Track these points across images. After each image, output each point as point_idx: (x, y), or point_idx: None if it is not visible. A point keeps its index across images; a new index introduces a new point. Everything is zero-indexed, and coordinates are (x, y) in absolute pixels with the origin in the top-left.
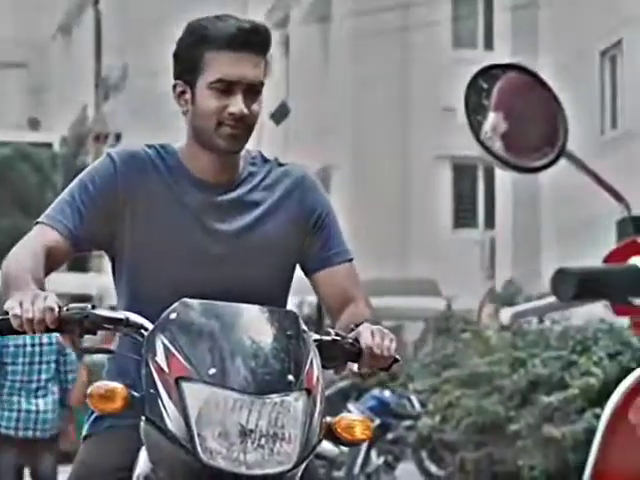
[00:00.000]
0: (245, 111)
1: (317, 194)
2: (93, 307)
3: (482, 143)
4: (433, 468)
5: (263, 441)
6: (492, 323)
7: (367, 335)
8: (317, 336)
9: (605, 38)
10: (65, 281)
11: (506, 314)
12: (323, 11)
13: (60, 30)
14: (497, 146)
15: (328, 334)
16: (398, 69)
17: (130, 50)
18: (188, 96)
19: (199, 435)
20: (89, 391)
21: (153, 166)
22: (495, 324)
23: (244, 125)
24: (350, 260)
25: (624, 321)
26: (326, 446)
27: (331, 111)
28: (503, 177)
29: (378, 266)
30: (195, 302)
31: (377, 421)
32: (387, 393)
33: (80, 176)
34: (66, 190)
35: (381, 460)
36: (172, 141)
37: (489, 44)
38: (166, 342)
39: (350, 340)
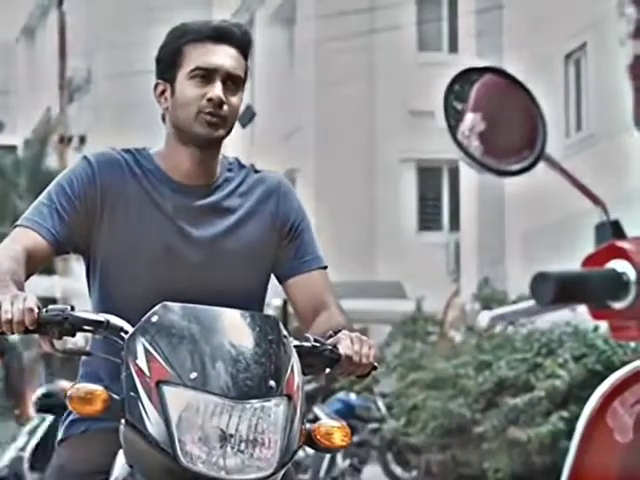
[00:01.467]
0: (223, 97)
1: (292, 201)
2: (72, 309)
3: (460, 144)
4: (399, 471)
5: (243, 446)
6: (458, 325)
7: (347, 343)
8: (297, 342)
9: (570, 41)
10: (29, 284)
11: (484, 317)
12: (288, 14)
13: (24, 32)
14: (474, 146)
15: (307, 340)
16: (363, 72)
17: (95, 53)
18: (168, 93)
19: (179, 439)
20: (68, 393)
21: (130, 169)
22: (461, 326)
23: (222, 113)
24: (324, 267)
25: (589, 324)
26: None
27: (296, 114)
28: (468, 179)
29: (343, 269)
30: (176, 305)
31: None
32: (353, 396)
33: (57, 179)
34: (44, 193)
35: (347, 463)
36: (137, 143)
37: (454, 47)
38: (147, 345)
39: (330, 347)
